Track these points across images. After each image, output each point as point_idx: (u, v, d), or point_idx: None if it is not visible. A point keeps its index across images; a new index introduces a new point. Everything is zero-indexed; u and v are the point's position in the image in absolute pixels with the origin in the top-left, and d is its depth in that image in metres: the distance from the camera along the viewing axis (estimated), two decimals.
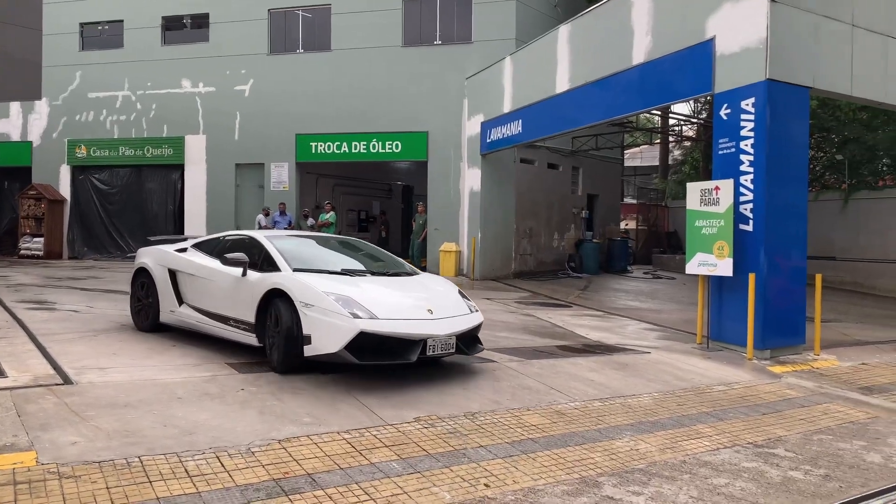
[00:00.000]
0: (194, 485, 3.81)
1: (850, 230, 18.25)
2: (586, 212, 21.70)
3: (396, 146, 18.61)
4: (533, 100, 14.33)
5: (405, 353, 5.83)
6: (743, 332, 8.49)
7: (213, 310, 7.00)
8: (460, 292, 7.06)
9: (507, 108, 15.63)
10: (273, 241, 7.08)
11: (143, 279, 8.03)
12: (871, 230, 17.80)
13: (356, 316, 5.68)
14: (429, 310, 6.20)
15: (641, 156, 32.94)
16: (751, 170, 8.57)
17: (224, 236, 7.87)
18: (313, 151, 19.10)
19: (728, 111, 8.92)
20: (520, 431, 5.18)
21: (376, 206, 24.20)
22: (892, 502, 4.34)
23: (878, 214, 17.64)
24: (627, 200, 27.94)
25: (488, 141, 16.62)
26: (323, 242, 7.90)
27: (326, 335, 5.67)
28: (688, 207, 9.12)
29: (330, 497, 3.82)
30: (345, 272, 6.68)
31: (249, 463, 4.18)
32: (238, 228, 19.28)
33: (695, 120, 22.36)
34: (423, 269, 14.70)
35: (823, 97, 13.74)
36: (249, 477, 3.98)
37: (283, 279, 6.19)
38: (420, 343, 5.86)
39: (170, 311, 7.57)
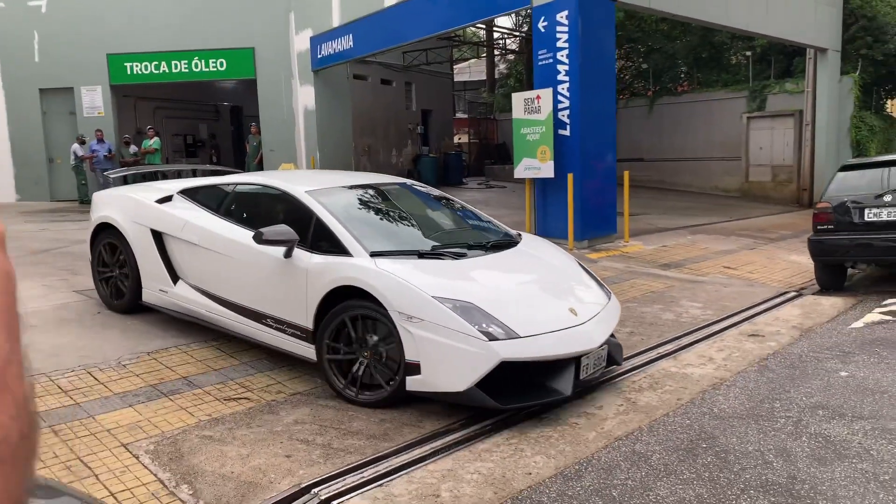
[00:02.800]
0: (71, 398, 3.96)
1: (654, 133, 20.29)
2: (421, 127, 22.23)
3: (221, 64, 17.77)
4: (362, 13, 14.31)
5: (556, 381, 3.98)
6: (565, 226, 9.53)
7: (235, 299, 4.73)
8: (579, 264, 5.17)
9: (336, 22, 15.46)
10: (319, 198, 4.71)
11: (109, 239, 5.70)
12: (673, 132, 19.93)
13: (491, 336, 3.78)
14: (571, 309, 4.25)
15: (470, 70, 33.78)
16: (567, 79, 9.41)
17: (229, 183, 5.47)
18: (129, 73, 17.75)
19: (545, 23, 9.62)
20: None
21: (204, 130, 23.06)
22: (680, 345, 5.43)
23: (678, 118, 19.75)
24: (459, 115, 28.81)
25: (319, 57, 16.40)
26: (372, 195, 5.40)
27: (447, 366, 3.80)
28: (513, 116, 9.87)
29: (209, 393, 4.13)
30: (438, 251, 4.54)
31: (123, 374, 4.36)
32: (51, 161, 17.78)
33: (517, 33, 23.29)
34: None
35: (629, 9, 14.95)
36: (126, 386, 4.18)
37: (364, 274, 4.06)
38: (573, 365, 4.02)
39: (159, 289, 5.27)
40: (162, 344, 4.97)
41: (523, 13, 20.64)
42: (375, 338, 4.05)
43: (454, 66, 26.24)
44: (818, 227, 7.73)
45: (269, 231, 4.30)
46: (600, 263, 8.68)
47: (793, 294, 7.50)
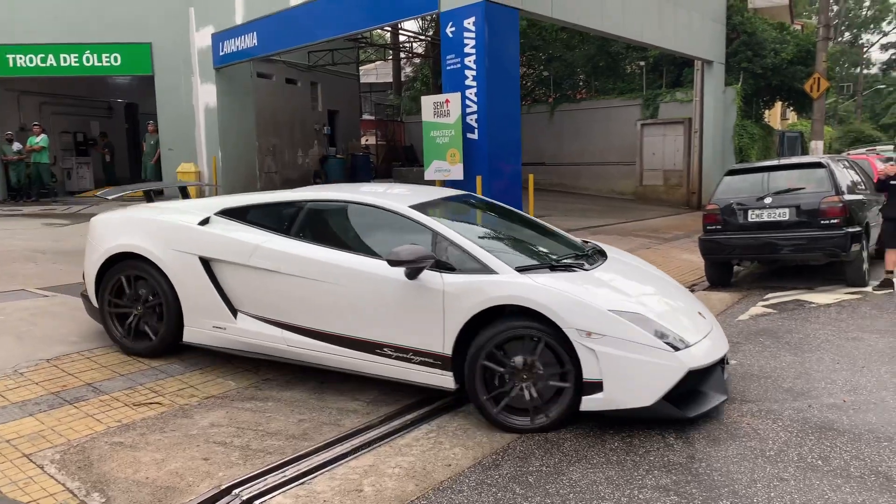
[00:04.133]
0: None
1: (555, 138, 20.99)
2: (328, 128, 21.98)
3: (115, 59, 16.91)
4: (267, 12, 14.03)
5: (710, 385, 3.99)
6: None
7: (334, 329, 4.25)
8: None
9: (239, 19, 15.08)
10: (429, 214, 4.39)
11: (131, 272, 4.76)
12: (573, 138, 20.69)
13: (674, 347, 3.72)
14: (699, 313, 4.36)
15: (377, 72, 33.71)
16: (475, 83, 9.63)
17: (295, 201, 4.73)
18: (11, 65, 16.60)
19: (453, 29, 9.81)
20: None
21: (95, 127, 21.86)
22: None
23: (578, 124, 20.51)
24: (366, 116, 28.69)
25: (221, 54, 15.93)
26: (463, 208, 5.30)
27: (634, 382, 3.68)
28: (423, 119, 10.00)
29: (117, 399, 3.99)
30: (564, 263, 4.34)
31: (20, 382, 4.13)
32: None
33: (423, 37, 23.47)
34: None
35: (532, 18, 15.43)
36: (24, 394, 3.97)
37: (528, 291, 3.81)
38: (720, 367, 4.13)
39: (213, 326, 4.56)
40: (63, 350, 4.73)
41: (430, 18, 20.85)
42: (531, 358, 3.77)
43: (361, 68, 26.12)
44: (707, 228, 8.29)
45: (405, 252, 3.84)
46: None
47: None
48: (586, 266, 4.31)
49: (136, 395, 4.08)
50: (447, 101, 9.62)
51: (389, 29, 23.36)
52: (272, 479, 3.21)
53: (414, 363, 4.04)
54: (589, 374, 3.67)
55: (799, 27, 25.73)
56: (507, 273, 3.93)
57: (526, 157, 11.18)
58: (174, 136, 17.29)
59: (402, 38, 24.99)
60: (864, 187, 8.63)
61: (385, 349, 4.11)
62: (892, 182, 7.61)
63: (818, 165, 8.05)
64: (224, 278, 4.53)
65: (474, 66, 9.59)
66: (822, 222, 7.57)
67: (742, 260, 8.50)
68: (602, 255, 4.76)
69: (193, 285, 4.55)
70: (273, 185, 18.82)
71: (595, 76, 21.31)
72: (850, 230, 7.43)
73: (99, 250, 4.86)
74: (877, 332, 5.73)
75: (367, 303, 4.14)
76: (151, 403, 3.98)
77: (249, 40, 14.82)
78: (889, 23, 70.05)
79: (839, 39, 68.93)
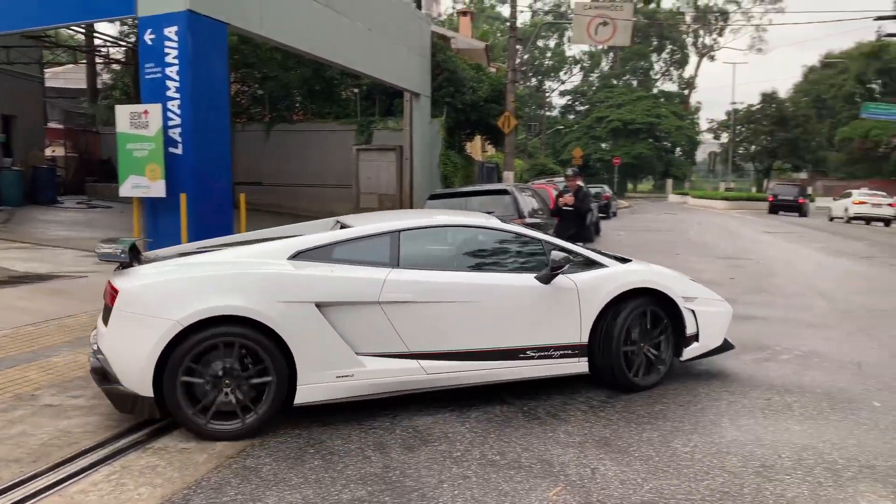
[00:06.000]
0: None
1: (273, 158, 20.69)
2: (2, 135, 18.94)
3: None
4: None
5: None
6: None
7: (479, 346, 4.43)
8: None
9: None
10: (528, 227, 5.63)
11: (217, 340, 3.86)
12: (290, 159, 20.57)
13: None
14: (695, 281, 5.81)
15: (66, 76, 30.03)
16: (177, 96, 9.06)
17: (383, 232, 4.51)
18: None
19: (153, 36, 9.14)
20: None
21: None
22: None
23: (295, 145, 20.47)
24: (53, 125, 25.33)
25: None
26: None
27: (713, 329, 5.15)
28: (118, 130, 9.12)
29: None
30: (619, 257, 5.50)
31: None
32: None
33: (123, 43, 21.56)
34: None
35: (241, 34, 15.06)
36: None
37: (648, 275, 4.98)
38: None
39: (336, 377, 4.12)
40: None
41: (130, 22, 19.19)
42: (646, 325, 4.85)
43: (46, 70, 23.06)
44: None
45: (560, 258, 4.52)
46: None
47: None
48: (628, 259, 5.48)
49: None
50: (146, 111, 8.90)
51: (83, 30, 21.02)
52: None
53: (554, 358, 4.63)
54: (690, 329, 4.92)
55: (494, 70, 28.91)
56: (615, 265, 4.98)
57: (241, 177, 10.83)
58: None
59: (98, 42, 22.64)
60: (542, 212, 9.89)
61: (528, 352, 4.56)
62: (563, 208, 8.85)
63: (505, 192, 9.05)
64: (342, 322, 4.15)
65: (177, 78, 9.03)
66: None
67: None
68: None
69: (310, 337, 4.03)
70: None
71: (312, 99, 21.52)
72: None
73: (162, 323, 3.77)
74: None
75: (508, 313, 4.54)
76: None
77: None
78: (566, 73, 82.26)
79: (528, 84, 79.05)
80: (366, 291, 4.22)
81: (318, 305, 4.08)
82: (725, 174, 71.11)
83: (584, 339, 4.66)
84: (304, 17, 11.84)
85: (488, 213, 8.64)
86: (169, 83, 9.06)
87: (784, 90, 75.64)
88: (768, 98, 66.62)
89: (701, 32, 75.46)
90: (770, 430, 4.06)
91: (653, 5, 73.85)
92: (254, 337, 3.89)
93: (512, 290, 4.57)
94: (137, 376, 3.76)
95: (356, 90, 20.91)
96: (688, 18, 74.46)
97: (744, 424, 4.15)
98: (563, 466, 3.56)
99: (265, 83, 21.60)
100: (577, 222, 8.49)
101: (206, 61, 9.36)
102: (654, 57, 78.73)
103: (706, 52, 75.46)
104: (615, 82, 75.88)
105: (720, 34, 75.51)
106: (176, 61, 9.02)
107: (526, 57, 76.60)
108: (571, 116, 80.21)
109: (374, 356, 4.24)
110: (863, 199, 27.46)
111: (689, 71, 77.88)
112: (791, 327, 6.95)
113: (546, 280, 4.57)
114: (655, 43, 76.76)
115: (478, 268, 4.69)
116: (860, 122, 56.85)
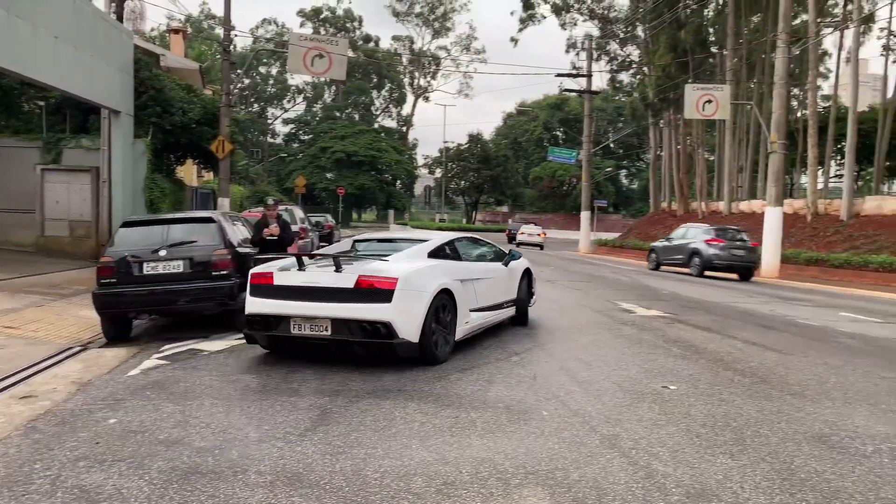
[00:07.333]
0: None
1: None
2: None
3: None
4: None
5: None
6: None
7: (494, 301, 8.05)
8: None
9: None
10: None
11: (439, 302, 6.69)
12: None
13: None
14: None
15: None
16: None
17: (452, 239, 8.15)
18: None
19: None
20: None
21: None
22: None
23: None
24: None
25: None
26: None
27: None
28: None
29: None
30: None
31: None
32: None
33: None
34: None
35: None
36: None
37: (524, 262, 9.22)
38: None
39: (465, 323, 7.21)
40: None
41: None
42: None
43: None
44: (102, 281, 7.89)
45: (510, 254, 8.99)
46: None
47: (77, 349, 7.42)
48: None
49: None
50: None
51: None
52: None
53: (508, 307, 8.60)
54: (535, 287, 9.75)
55: (210, 92, 27.66)
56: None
57: None
58: None
59: None
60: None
61: (503, 305, 8.38)
62: (268, 238, 8.69)
63: (209, 220, 8.56)
64: (462, 291, 7.11)
65: None
66: (213, 273, 8.06)
67: (140, 314, 8.35)
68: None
69: (462, 300, 7.08)
70: None
71: None
72: (239, 280, 8.05)
73: (428, 291, 6.47)
74: (253, 372, 6.32)
75: (500, 283, 8.28)
76: None
77: None
78: (289, 101, 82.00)
79: (250, 109, 77.17)
80: (469, 274, 7.48)
81: (461, 281, 7.17)
82: (440, 206, 76.74)
83: (514, 295, 8.68)
84: None
85: (189, 242, 8.18)
86: None
87: (488, 132, 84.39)
88: (474, 139, 73.67)
89: (416, 74, 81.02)
90: (455, 447, 4.31)
91: (371, 44, 77.51)
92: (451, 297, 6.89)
93: (498, 271, 8.28)
94: (417, 322, 6.28)
95: (42, 103, 18.41)
96: (405, 60, 79.43)
97: (432, 444, 4.35)
98: None
99: None
100: (278, 251, 8.34)
101: None
102: (374, 93, 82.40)
103: (421, 93, 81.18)
104: (338, 114, 77.75)
105: (433, 77, 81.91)
106: None
107: (248, 82, 74.91)
108: (296, 145, 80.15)
109: (472, 311, 7.33)
110: (525, 230, 41.45)
111: (406, 109, 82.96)
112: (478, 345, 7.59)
113: (506, 264, 8.48)
114: (375, 80, 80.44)
115: (483, 258, 8.38)
116: (548, 163, 65.53)
